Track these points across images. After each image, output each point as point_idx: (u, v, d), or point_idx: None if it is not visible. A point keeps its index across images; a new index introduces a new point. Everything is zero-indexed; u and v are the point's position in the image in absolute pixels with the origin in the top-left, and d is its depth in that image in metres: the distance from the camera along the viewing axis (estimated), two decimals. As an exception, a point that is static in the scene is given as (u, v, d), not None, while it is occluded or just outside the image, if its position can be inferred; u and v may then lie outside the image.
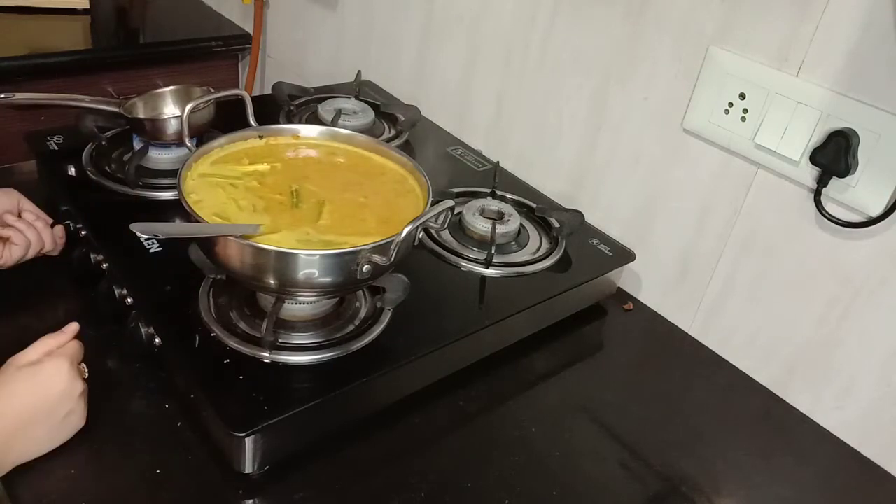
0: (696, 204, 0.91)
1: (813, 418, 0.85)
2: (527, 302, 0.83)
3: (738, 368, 0.90)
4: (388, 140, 1.12)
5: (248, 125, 0.82)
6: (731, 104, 0.84)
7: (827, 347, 0.82)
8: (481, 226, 0.90)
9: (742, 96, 0.83)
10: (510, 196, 1.00)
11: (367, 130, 1.10)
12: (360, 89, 1.23)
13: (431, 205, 0.71)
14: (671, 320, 0.97)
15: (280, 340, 0.70)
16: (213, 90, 0.91)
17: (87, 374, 0.67)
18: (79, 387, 0.64)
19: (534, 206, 0.99)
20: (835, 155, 0.75)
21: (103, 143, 0.97)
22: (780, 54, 0.79)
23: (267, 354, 0.69)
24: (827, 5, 0.74)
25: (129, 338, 0.72)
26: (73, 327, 0.68)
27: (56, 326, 0.68)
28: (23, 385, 0.62)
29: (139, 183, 0.90)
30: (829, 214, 0.78)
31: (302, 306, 0.74)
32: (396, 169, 0.80)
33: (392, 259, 0.65)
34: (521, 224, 0.93)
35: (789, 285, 0.84)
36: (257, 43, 1.61)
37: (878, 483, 0.79)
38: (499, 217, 0.92)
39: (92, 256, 0.81)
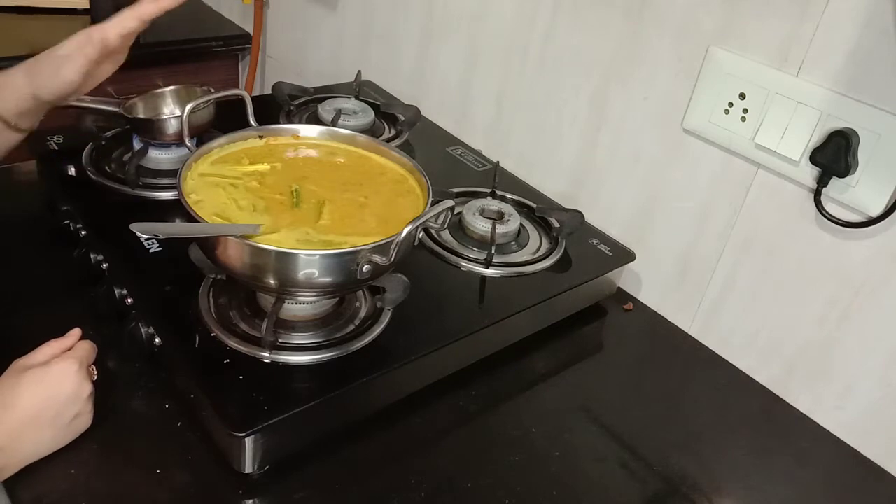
0: (696, 204, 0.91)
1: (813, 418, 0.85)
2: (527, 302, 0.83)
3: (738, 368, 0.90)
4: (388, 140, 1.12)
5: (248, 125, 0.82)
6: (731, 104, 0.84)
7: (827, 347, 0.82)
8: (481, 226, 0.90)
9: (742, 96, 0.83)
10: (510, 196, 1.00)
11: (367, 130, 1.10)
12: (360, 89, 1.23)
13: (431, 205, 0.71)
14: (671, 320, 0.97)
15: (280, 340, 0.71)
16: (213, 90, 0.91)
17: (96, 377, 0.67)
18: (87, 389, 0.64)
19: (534, 206, 0.99)
20: (835, 155, 0.75)
21: (103, 143, 0.97)
22: (780, 54, 0.79)
23: (267, 354, 0.69)
24: (827, 5, 0.74)
25: (129, 338, 0.72)
26: (76, 332, 0.68)
27: (56, 326, 0.68)
28: (32, 387, 0.62)
29: (139, 183, 0.90)
30: (830, 214, 0.78)
31: (302, 306, 0.74)
32: (396, 169, 0.80)
33: (392, 259, 0.65)
34: (521, 224, 0.93)
35: (789, 285, 0.84)
36: (257, 43, 1.61)
37: (878, 483, 0.79)
38: (499, 217, 0.92)
39: (92, 256, 0.81)
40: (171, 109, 0.98)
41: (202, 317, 0.72)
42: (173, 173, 0.85)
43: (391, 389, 0.74)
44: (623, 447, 0.76)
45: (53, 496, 0.61)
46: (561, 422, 0.78)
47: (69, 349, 0.66)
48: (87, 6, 1.56)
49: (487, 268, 0.86)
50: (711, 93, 0.85)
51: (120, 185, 0.89)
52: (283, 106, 1.14)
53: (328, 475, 0.68)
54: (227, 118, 0.89)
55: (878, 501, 0.78)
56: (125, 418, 0.69)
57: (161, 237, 0.78)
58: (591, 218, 0.99)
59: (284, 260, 0.64)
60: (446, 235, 0.91)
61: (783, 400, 0.87)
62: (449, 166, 1.10)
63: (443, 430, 0.75)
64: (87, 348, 0.67)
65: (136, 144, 0.95)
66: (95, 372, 0.67)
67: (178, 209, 0.75)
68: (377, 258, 0.64)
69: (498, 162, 1.08)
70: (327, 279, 0.66)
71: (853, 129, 0.74)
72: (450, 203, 0.69)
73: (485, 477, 0.70)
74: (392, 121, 1.18)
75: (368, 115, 1.13)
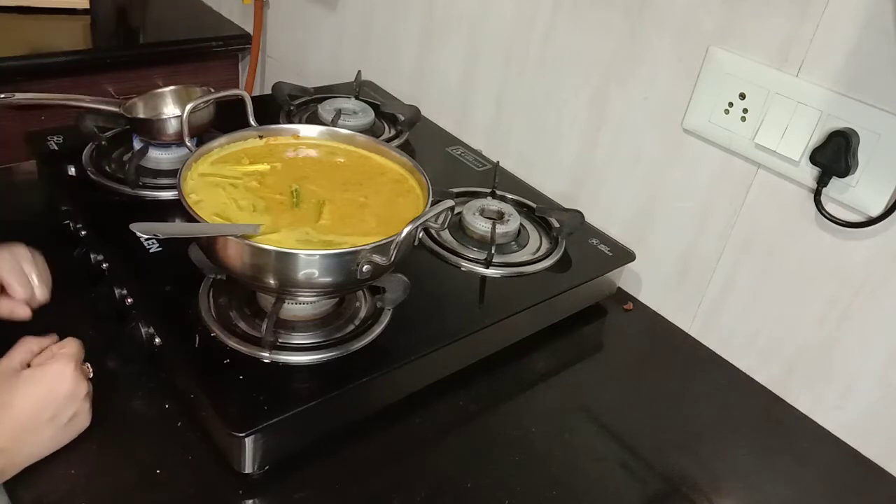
0: (696, 204, 0.91)
1: (813, 418, 0.85)
2: (527, 302, 0.83)
3: (738, 368, 0.90)
4: (388, 140, 1.12)
5: (248, 125, 0.82)
6: (731, 104, 0.84)
7: (827, 347, 0.82)
8: (481, 226, 0.90)
9: (742, 96, 0.83)
10: (510, 196, 1.00)
11: (367, 130, 1.10)
12: (360, 89, 1.23)
13: (431, 205, 0.71)
14: (671, 320, 0.97)
15: (280, 340, 0.70)
16: (213, 90, 0.91)
17: (91, 375, 0.67)
18: (84, 388, 0.64)
19: (534, 206, 0.99)
20: (835, 155, 0.75)
21: (103, 143, 0.97)
22: (780, 54, 0.79)
23: (267, 354, 0.69)
24: (827, 5, 0.74)
25: (129, 338, 0.72)
26: (53, 335, 0.67)
27: (56, 326, 0.68)
28: (29, 387, 0.61)
29: (139, 183, 0.90)
30: (830, 214, 0.78)
31: (302, 306, 0.74)
32: (396, 169, 0.80)
33: (392, 259, 0.65)
34: (521, 224, 0.93)
35: (789, 285, 0.84)
36: (257, 43, 1.61)
37: (878, 483, 0.79)
38: (499, 217, 0.92)
39: (92, 256, 0.81)
40: (171, 109, 0.98)
41: (202, 317, 0.72)
42: (173, 173, 0.85)
43: (391, 389, 0.74)
44: (623, 447, 0.76)
45: (53, 496, 0.61)
46: (561, 422, 0.78)
47: (48, 347, 0.65)
48: (87, 6, 1.56)
49: (487, 268, 0.86)
50: (711, 93, 0.85)
51: (120, 185, 0.89)
52: (283, 106, 1.14)
53: (328, 475, 0.68)
54: (227, 118, 0.89)
55: (878, 501, 0.78)
56: (125, 418, 0.69)
57: (161, 237, 0.78)
58: (591, 218, 0.99)
59: (284, 260, 0.64)
60: (446, 235, 0.91)
61: (783, 400, 0.87)
62: (449, 166, 1.10)
63: (443, 430, 0.75)
64: (76, 347, 0.66)
65: (136, 144, 0.95)
66: (90, 370, 0.67)
67: (178, 209, 0.75)
68: (377, 258, 0.64)
69: (498, 162, 1.08)
70: (327, 279, 0.66)
71: (853, 129, 0.74)
72: (450, 203, 0.69)
73: (485, 477, 0.70)
74: (392, 121, 1.18)
75: (368, 115, 1.13)
